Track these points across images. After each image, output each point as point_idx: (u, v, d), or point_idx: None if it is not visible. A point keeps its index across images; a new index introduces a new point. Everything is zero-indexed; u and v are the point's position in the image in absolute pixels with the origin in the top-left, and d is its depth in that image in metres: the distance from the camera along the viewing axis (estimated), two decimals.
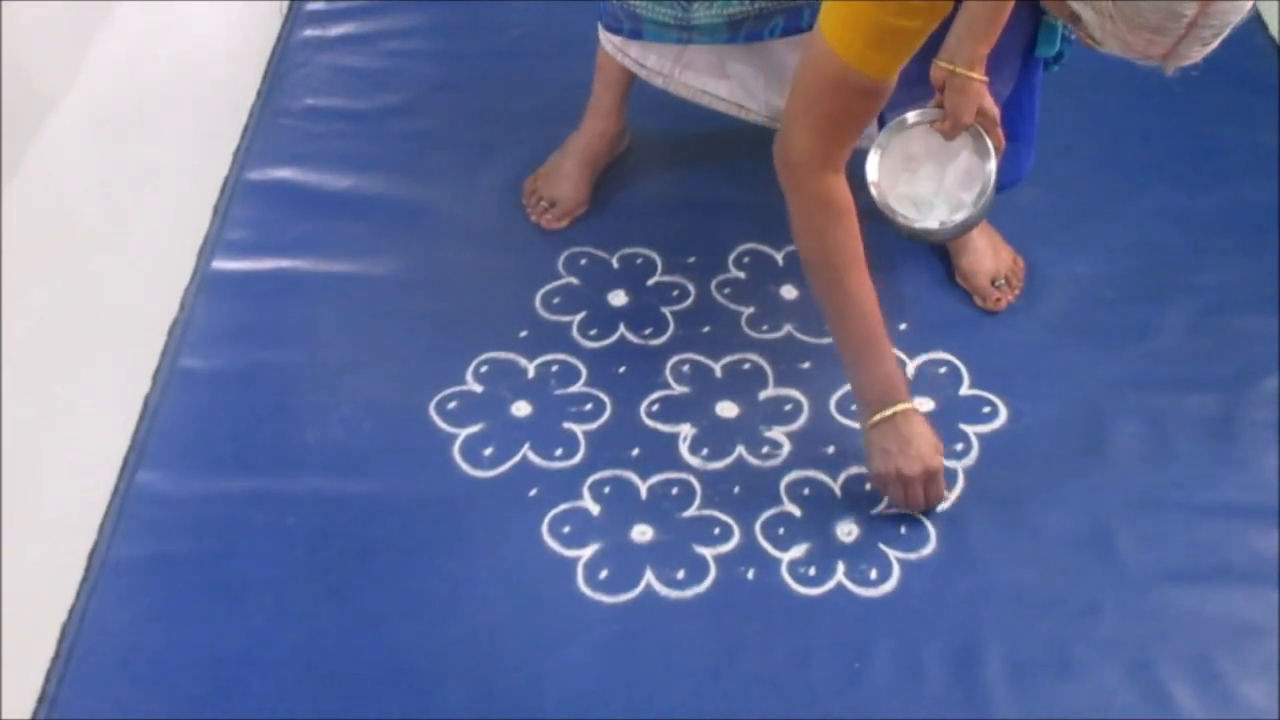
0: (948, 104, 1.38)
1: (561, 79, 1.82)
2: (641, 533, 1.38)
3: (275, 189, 1.74)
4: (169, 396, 1.50)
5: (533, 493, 1.42)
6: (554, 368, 1.54)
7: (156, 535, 1.37)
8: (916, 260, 1.64)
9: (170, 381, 1.51)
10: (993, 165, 1.40)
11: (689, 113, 1.66)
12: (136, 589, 1.33)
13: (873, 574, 1.35)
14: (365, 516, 1.39)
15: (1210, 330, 1.57)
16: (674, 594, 1.33)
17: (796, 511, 1.40)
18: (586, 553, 1.36)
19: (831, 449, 1.46)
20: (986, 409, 1.50)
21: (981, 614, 1.31)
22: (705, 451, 1.45)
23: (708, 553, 1.37)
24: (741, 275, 1.64)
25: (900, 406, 1.34)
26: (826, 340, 1.57)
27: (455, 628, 1.30)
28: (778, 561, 1.36)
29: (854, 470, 1.44)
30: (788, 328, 1.58)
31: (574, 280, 1.63)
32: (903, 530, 1.38)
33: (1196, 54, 1.00)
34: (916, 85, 1.38)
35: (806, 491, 1.42)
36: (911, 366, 1.54)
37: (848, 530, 1.38)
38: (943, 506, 1.39)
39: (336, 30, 2.00)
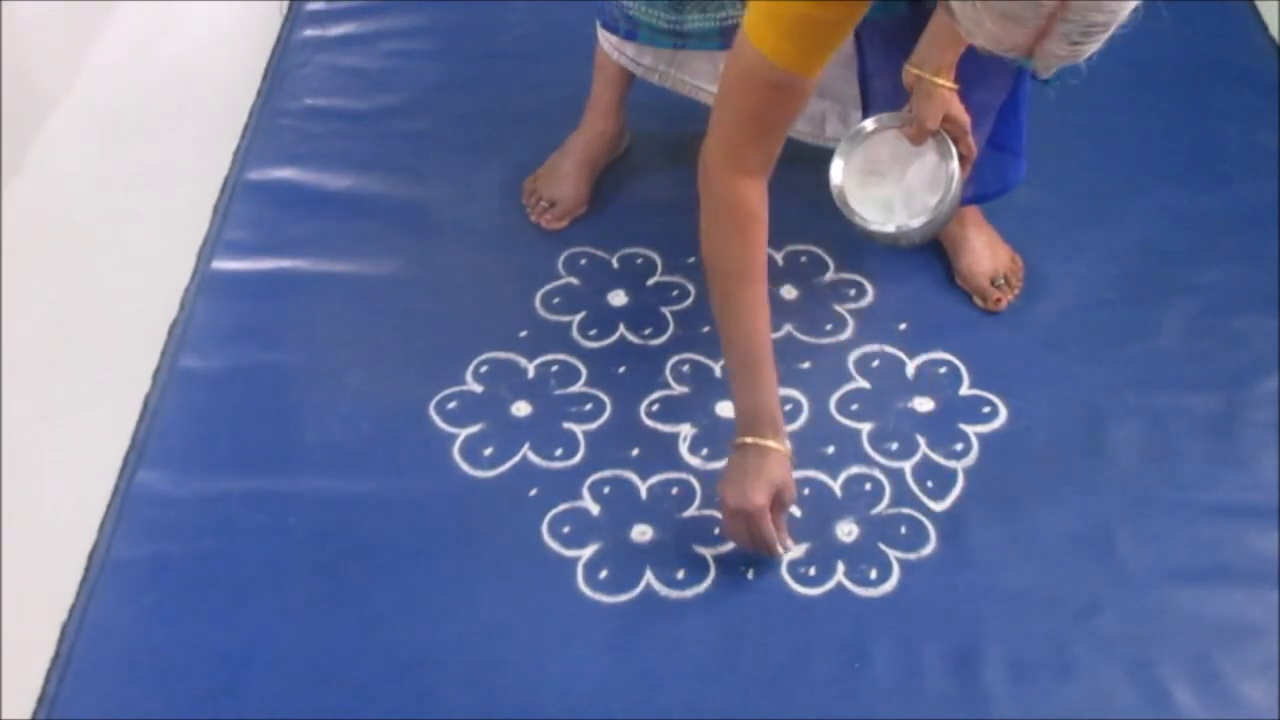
0: (914, 109, 1.37)
1: (561, 79, 1.82)
2: (641, 533, 1.38)
3: (275, 189, 1.74)
4: (169, 396, 1.50)
5: (533, 493, 1.42)
6: (554, 368, 1.54)
7: (156, 535, 1.37)
8: (916, 261, 1.64)
9: (170, 381, 1.51)
10: (956, 171, 1.37)
11: (689, 113, 1.65)
12: (136, 589, 1.33)
13: (873, 574, 1.35)
14: (365, 516, 1.39)
15: (1210, 330, 1.57)
16: (674, 594, 1.33)
17: (796, 511, 1.40)
18: (586, 553, 1.36)
19: (831, 449, 1.46)
20: (986, 409, 1.50)
21: (981, 614, 1.31)
22: (705, 451, 1.45)
23: (708, 553, 1.37)
24: None
25: (756, 440, 1.29)
26: (827, 340, 1.57)
27: (455, 628, 1.30)
28: (778, 561, 1.36)
29: (854, 470, 1.44)
30: (788, 328, 1.58)
31: (574, 280, 1.63)
32: (903, 530, 1.38)
33: (1066, 53, 0.99)
34: (902, 94, 1.38)
35: (806, 491, 1.42)
36: (911, 366, 1.54)
37: (848, 530, 1.38)
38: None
39: (336, 30, 2.00)
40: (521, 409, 1.49)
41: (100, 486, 1.40)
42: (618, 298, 1.61)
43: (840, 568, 1.35)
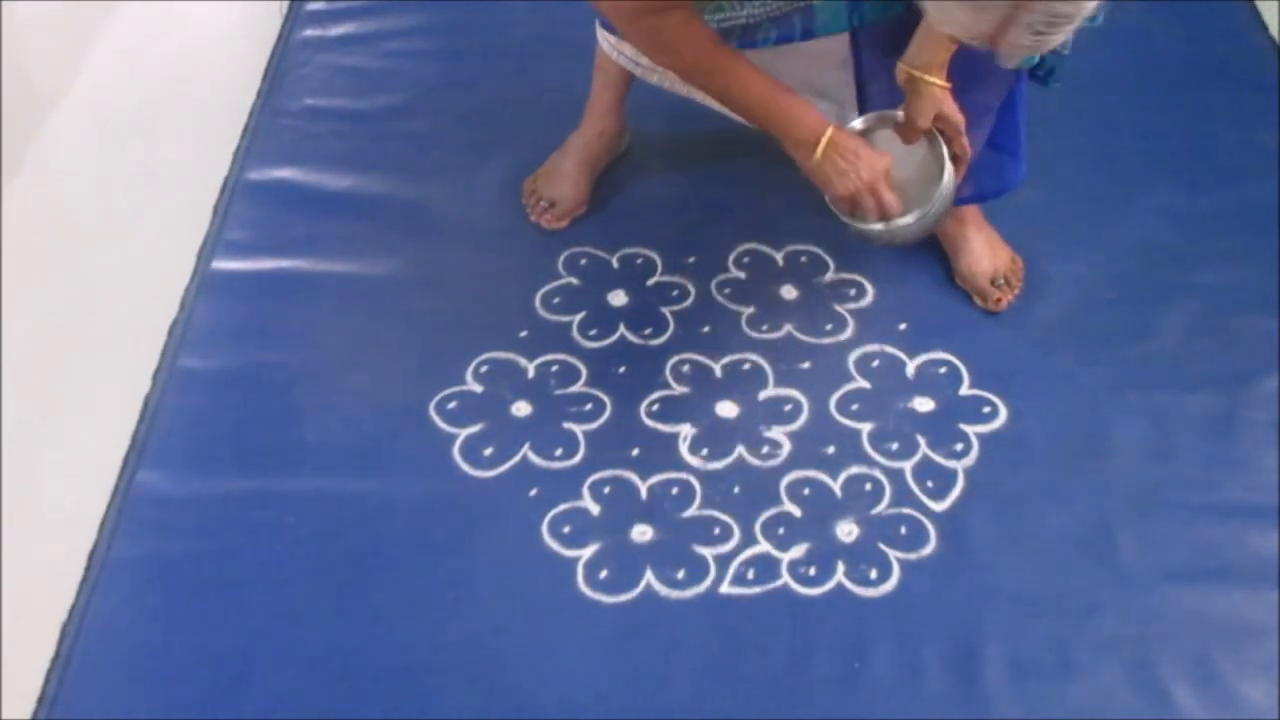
0: (906, 107, 1.38)
1: (561, 79, 1.82)
2: (641, 533, 1.38)
3: (275, 189, 1.74)
4: (169, 396, 1.50)
5: (533, 493, 1.42)
6: (554, 368, 1.54)
7: (156, 535, 1.37)
8: (916, 261, 1.64)
9: (170, 381, 1.51)
10: (948, 172, 1.37)
11: (689, 113, 1.66)
12: (136, 589, 1.33)
13: (873, 574, 1.35)
14: (365, 516, 1.39)
15: (1210, 330, 1.57)
16: (674, 594, 1.33)
17: (796, 511, 1.40)
18: (586, 553, 1.37)
19: (831, 449, 1.46)
20: (986, 409, 1.50)
21: (981, 614, 1.31)
22: (705, 451, 1.46)
23: (708, 553, 1.37)
24: (741, 275, 1.64)
25: (830, 132, 1.33)
26: (827, 340, 1.57)
27: (455, 628, 1.30)
28: (778, 561, 1.36)
29: (854, 470, 1.44)
30: (788, 328, 1.58)
31: (574, 280, 1.63)
32: (903, 530, 1.38)
33: (1030, 42, 1.03)
34: (898, 96, 1.38)
35: (806, 491, 1.42)
36: (911, 366, 1.54)
37: (848, 530, 1.38)
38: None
39: (336, 30, 2.00)
40: (521, 409, 1.49)
41: (100, 486, 1.40)
42: (618, 298, 1.61)
43: (840, 568, 1.35)
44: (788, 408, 1.50)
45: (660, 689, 1.26)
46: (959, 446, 1.46)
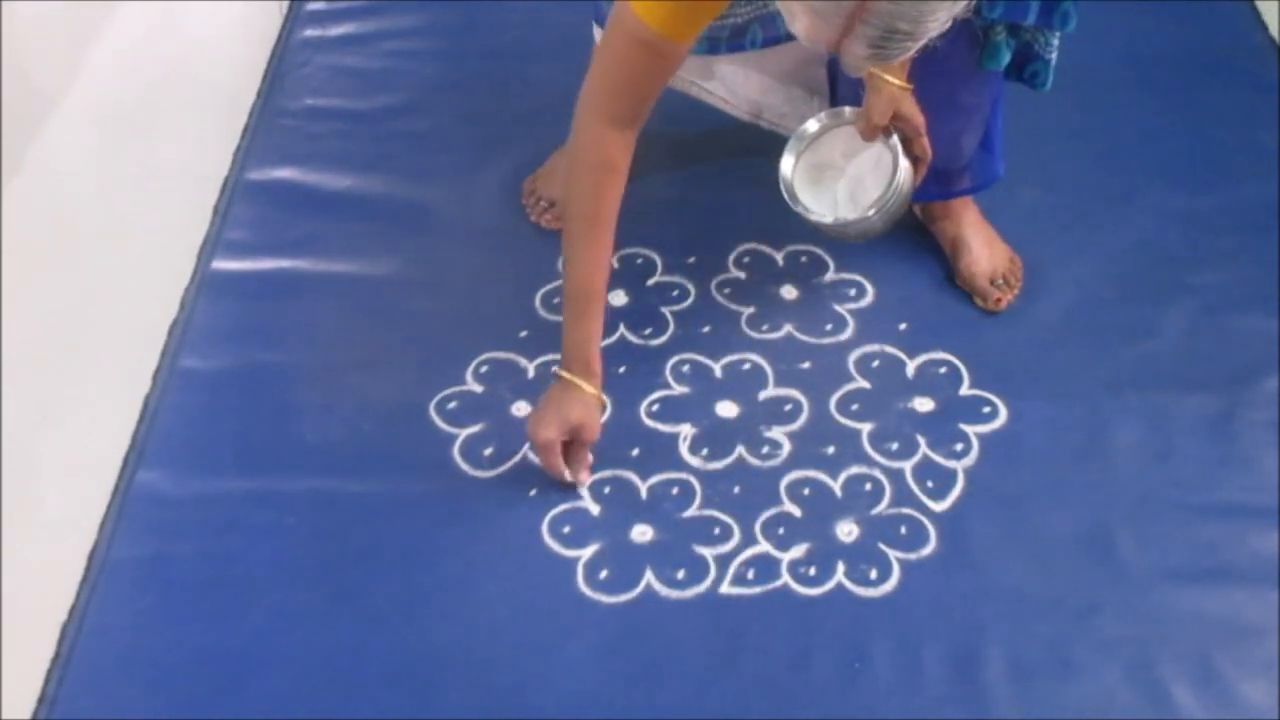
0: (865, 103, 1.38)
1: (561, 79, 1.80)
2: (641, 533, 1.38)
3: (275, 189, 1.74)
4: (169, 396, 1.50)
5: (533, 493, 1.42)
6: (554, 367, 1.53)
7: (156, 535, 1.37)
8: (916, 261, 1.64)
9: (170, 381, 1.51)
10: (903, 168, 1.39)
11: (689, 113, 1.66)
12: (136, 589, 1.33)
13: (873, 574, 1.35)
14: (365, 516, 1.39)
15: (1210, 330, 1.57)
16: (674, 594, 1.33)
17: (796, 511, 1.40)
18: (586, 553, 1.36)
19: (831, 449, 1.46)
20: (986, 409, 1.50)
21: (981, 614, 1.31)
22: (705, 451, 1.45)
23: (708, 553, 1.37)
24: (741, 275, 1.64)
25: (567, 376, 1.37)
26: (827, 340, 1.57)
27: (455, 628, 1.30)
28: (778, 561, 1.36)
29: (854, 470, 1.44)
30: (788, 328, 1.58)
31: None
32: (903, 530, 1.38)
33: (867, 54, 1.04)
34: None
35: (806, 491, 1.42)
36: (911, 366, 1.54)
37: (848, 530, 1.38)
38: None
39: (336, 30, 2.00)
40: (521, 409, 1.49)
41: (100, 486, 1.40)
42: (618, 298, 1.61)
43: (840, 568, 1.35)
44: (788, 408, 1.50)
45: (660, 689, 1.26)
46: (959, 446, 1.46)
